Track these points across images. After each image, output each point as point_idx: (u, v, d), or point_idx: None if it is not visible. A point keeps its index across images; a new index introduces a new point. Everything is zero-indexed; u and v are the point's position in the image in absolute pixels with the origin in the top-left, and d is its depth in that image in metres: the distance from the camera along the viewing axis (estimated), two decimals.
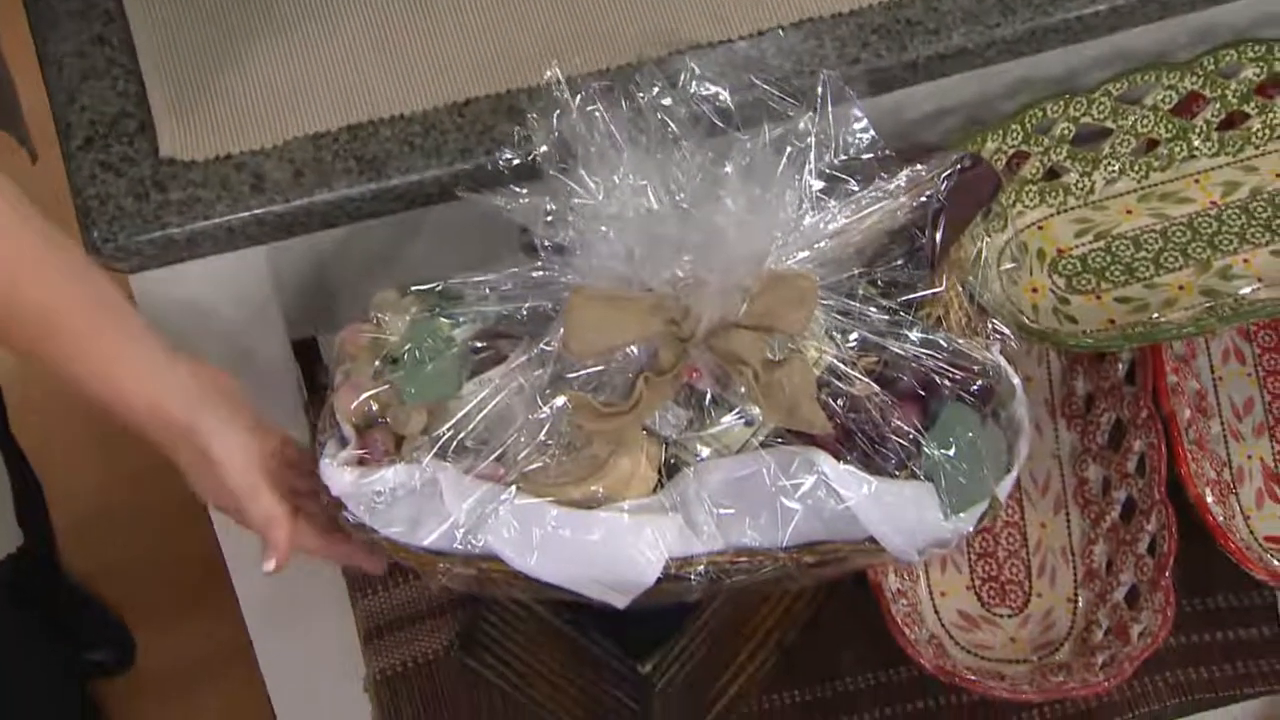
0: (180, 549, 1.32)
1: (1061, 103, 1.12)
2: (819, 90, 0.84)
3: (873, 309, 0.85)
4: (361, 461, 0.83)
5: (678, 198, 0.81)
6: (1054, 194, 1.15)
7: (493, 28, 1.00)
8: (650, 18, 1.01)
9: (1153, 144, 1.17)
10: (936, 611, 1.06)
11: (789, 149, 0.81)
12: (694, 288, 0.79)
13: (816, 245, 0.84)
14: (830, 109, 0.82)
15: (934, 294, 0.87)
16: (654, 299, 0.79)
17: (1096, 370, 1.14)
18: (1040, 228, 1.15)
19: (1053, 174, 1.16)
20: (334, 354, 0.87)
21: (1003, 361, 0.87)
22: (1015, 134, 1.12)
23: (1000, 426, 0.87)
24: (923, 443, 0.82)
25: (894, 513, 0.82)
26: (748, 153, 0.81)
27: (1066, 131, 1.14)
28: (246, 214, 0.93)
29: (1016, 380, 0.88)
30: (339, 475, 0.82)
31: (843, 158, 0.83)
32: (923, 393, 0.84)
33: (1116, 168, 1.16)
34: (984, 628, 1.06)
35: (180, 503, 1.14)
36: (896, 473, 0.82)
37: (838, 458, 0.81)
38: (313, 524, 0.85)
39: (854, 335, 0.84)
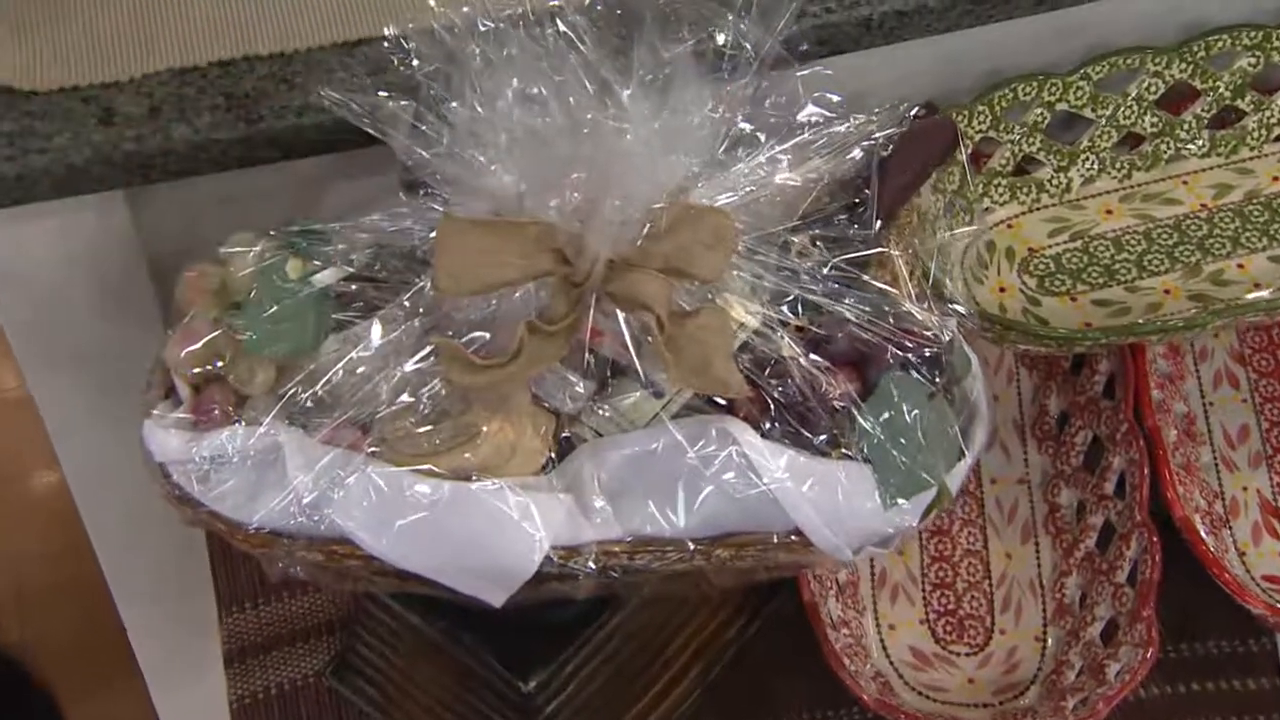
0: (110, 621, 1.24)
1: (1035, 84, 1.01)
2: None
3: (807, 264, 0.73)
4: (195, 425, 0.70)
5: (572, 111, 0.68)
6: (1026, 190, 1.04)
7: None
8: None
9: (1135, 141, 1.06)
10: (884, 647, 0.92)
11: (709, 61, 0.70)
12: (588, 215, 0.67)
13: (745, 190, 0.72)
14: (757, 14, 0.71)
15: (877, 253, 0.74)
16: (540, 227, 0.66)
17: (1071, 385, 1.01)
18: (1010, 225, 1.03)
19: (1022, 169, 1.04)
20: (174, 302, 0.75)
21: (958, 333, 0.75)
22: (983, 116, 1.01)
23: (953, 406, 0.74)
24: (857, 415, 0.69)
25: (823, 497, 0.68)
26: (658, 66, 0.69)
27: (1040, 119, 1.02)
28: (90, 150, 0.80)
29: (973, 355, 0.75)
30: (163, 438, 0.70)
31: (773, 73, 0.71)
32: (861, 359, 0.71)
33: (1095, 164, 1.04)
34: (938, 667, 0.91)
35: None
36: (828, 450, 0.69)
37: (759, 431, 0.69)
38: None
39: (784, 294, 0.72)
